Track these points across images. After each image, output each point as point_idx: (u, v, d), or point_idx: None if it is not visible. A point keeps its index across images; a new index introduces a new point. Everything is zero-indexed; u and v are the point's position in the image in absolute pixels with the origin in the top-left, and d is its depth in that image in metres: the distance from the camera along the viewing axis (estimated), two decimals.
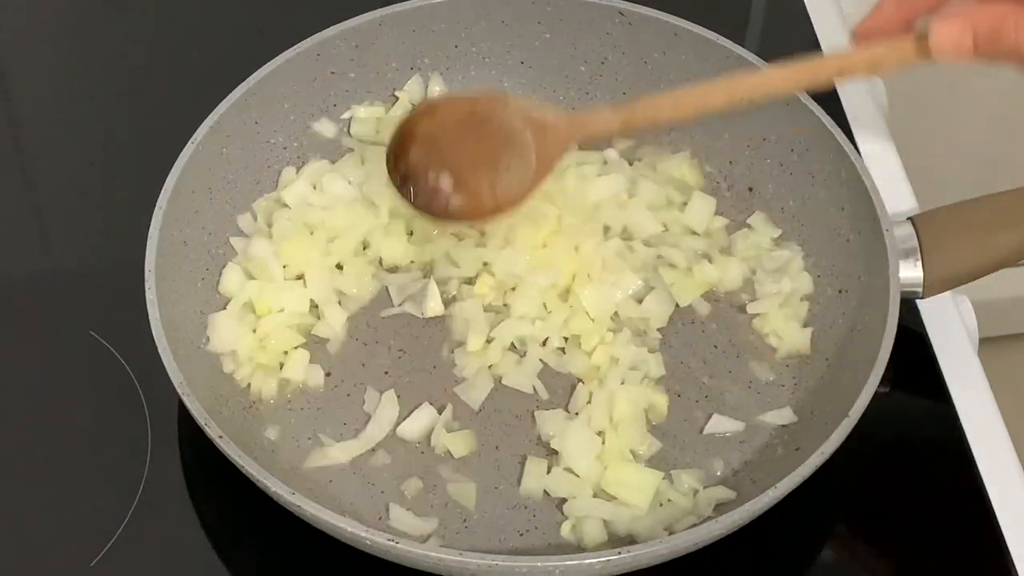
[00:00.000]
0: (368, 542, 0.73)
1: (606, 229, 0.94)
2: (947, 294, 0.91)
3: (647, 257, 0.92)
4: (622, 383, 0.86)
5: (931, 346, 0.90)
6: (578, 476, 0.82)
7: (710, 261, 0.92)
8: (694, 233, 0.94)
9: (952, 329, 0.91)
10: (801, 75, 0.79)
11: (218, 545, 0.82)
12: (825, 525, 0.83)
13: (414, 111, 0.86)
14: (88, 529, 0.81)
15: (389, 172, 0.85)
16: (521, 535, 0.81)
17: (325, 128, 0.97)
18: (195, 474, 0.84)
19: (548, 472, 0.83)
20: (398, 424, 0.85)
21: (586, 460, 0.82)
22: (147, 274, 0.81)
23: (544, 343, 0.89)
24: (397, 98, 0.99)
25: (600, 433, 0.84)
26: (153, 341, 0.79)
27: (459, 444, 0.84)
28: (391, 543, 0.72)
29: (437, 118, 0.84)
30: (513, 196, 0.84)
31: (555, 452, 0.84)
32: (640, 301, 0.91)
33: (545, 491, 0.82)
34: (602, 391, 0.86)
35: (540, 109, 0.85)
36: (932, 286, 0.86)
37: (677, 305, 0.91)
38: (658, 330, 0.90)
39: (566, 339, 0.89)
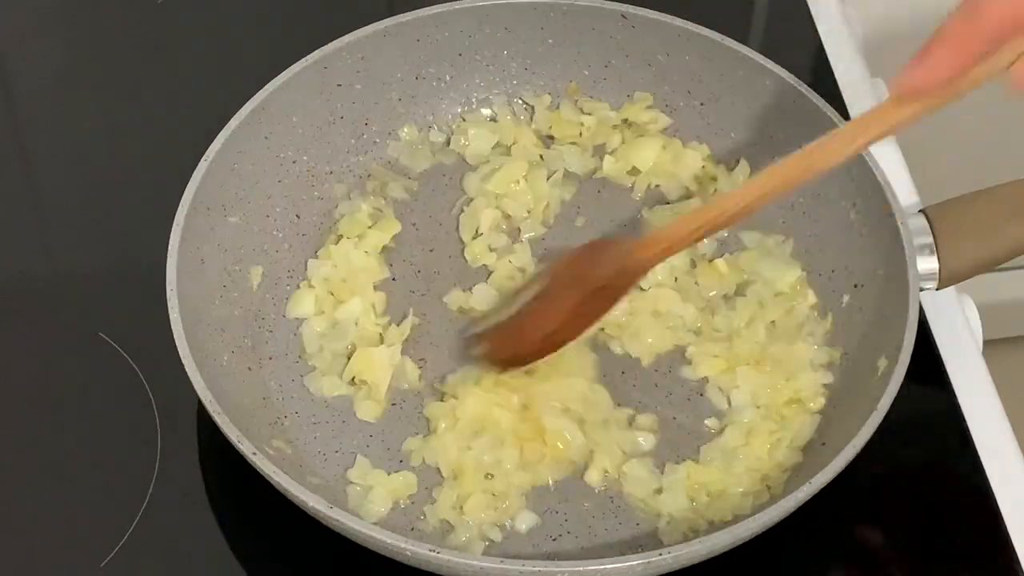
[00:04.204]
0: (409, 553, 0.73)
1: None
2: (952, 294, 0.92)
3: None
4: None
5: (936, 346, 0.90)
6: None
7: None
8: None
9: (957, 329, 0.92)
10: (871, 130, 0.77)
11: (231, 545, 0.82)
12: (826, 525, 0.82)
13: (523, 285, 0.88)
14: (99, 530, 0.81)
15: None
16: (554, 540, 0.81)
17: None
18: (205, 474, 0.84)
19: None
20: None
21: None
22: (169, 293, 0.81)
23: None
24: None
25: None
26: (163, 342, 0.79)
27: None
28: (432, 554, 0.72)
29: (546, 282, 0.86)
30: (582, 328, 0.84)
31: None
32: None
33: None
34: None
35: (619, 245, 0.85)
36: (947, 278, 0.86)
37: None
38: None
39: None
